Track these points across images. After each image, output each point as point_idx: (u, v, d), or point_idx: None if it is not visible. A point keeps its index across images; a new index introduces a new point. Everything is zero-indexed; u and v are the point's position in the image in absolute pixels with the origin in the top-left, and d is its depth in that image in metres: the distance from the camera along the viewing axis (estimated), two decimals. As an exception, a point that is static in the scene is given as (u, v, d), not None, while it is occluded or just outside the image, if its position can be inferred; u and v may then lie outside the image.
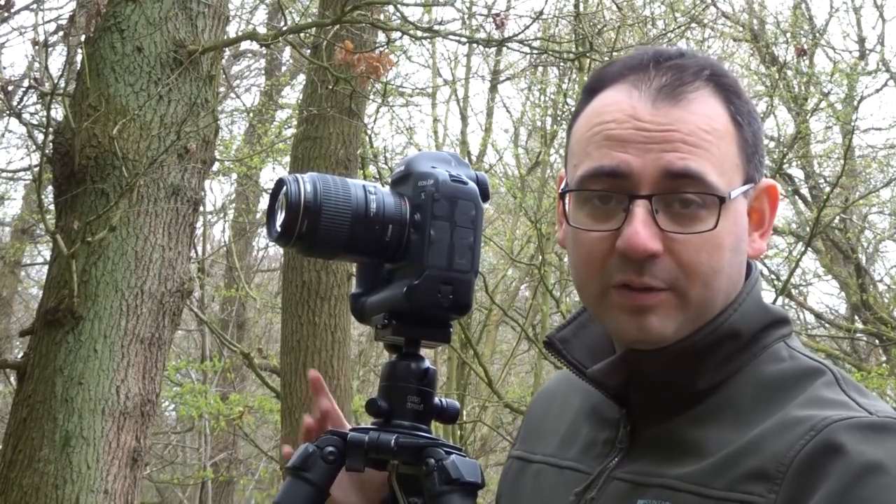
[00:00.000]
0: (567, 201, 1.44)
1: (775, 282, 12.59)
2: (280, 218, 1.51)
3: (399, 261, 1.54)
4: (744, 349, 1.42)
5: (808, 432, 1.31)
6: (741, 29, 13.44)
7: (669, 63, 1.42)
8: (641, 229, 1.36)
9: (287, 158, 9.97)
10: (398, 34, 8.28)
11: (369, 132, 9.78)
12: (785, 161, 12.12)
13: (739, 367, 1.42)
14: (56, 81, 5.69)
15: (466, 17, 10.68)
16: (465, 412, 12.44)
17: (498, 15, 6.83)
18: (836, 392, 1.37)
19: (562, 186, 1.47)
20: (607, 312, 1.42)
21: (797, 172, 14.09)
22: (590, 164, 1.40)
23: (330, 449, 1.55)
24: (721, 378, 1.41)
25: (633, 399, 1.45)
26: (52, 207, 6.09)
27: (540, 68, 13.09)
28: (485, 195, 1.57)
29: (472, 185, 1.56)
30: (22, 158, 14.49)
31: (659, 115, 1.39)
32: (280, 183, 1.52)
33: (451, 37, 9.20)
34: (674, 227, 1.37)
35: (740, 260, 1.43)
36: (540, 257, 10.99)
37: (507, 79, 14.15)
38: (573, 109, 1.55)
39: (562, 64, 11.42)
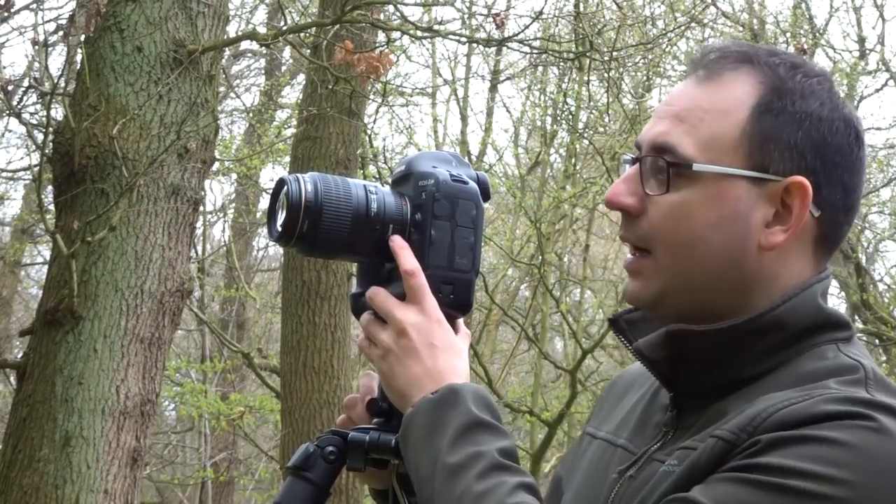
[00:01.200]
0: None
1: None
2: (281, 218, 1.51)
3: (400, 260, 1.54)
4: (789, 344, 1.44)
5: (803, 396, 1.35)
6: (741, 29, 13.43)
7: (728, 49, 1.50)
8: (619, 184, 1.48)
9: (287, 158, 9.96)
10: (398, 34, 8.28)
11: (369, 132, 9.78)
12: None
13: (783, 361, 1.44)
14: (56, 81, 5.69)
15: (466, 16, 10.67)
16: (464, 412, 12.39)
17: (498, 15, 6.82)
18: (857, 387, 1.38)
19: None
20: None
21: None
22: None
23: (330, 449, 1.55)
24: (764, 369, 1.43)
25: (680, 382, 1.49)
26: (51, 207, 6.09)
27: (540, 68, 13.09)
28: (485, 195, 1.57)
29: (473, 184, 1.56)
30: (22, 158, 14.47)
31: (678, 93, 1.50)
32: (281, 183, 1.52)
33: (450, 36, 9.20)
34: (653, 191, 1.46)
35: (730, 242, 1.45)
36: (540, 257, 10.99)
37: (507, 78, 14.15)
38: None
39: (562, 64, 11.41)
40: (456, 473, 1.41)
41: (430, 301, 1.51)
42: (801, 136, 1.45)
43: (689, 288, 1.46)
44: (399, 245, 1.53)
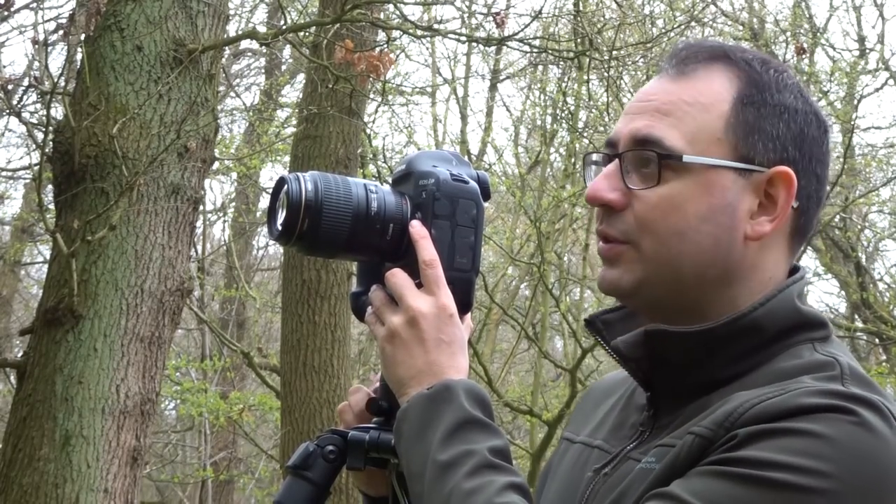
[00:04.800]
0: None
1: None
2: (281, 217, 1.51)
3: (400, 260, 1.54)
4: (766, 346, 1.44)
5: (778, 390, 1.35)
6: (741, 28, 13.42)
7: (699, 46, 1.52)
8: (600, 180, 1.48)
9: (287, 157, 9.96)
10: (398, 33, 8.28)
11: (369, 131, 9.77)
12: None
13: (760, 362, 1.44)
14: (56, 80, 5.68)
15: (466, 15, 10.67)
16: (464, 411, 12.37)
17: (498, 13, 6.83)
18: (833, 382, 1.37)
19: None
20: None
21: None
22: None
23: (330, 448, 1.55)
24: (740, 371, 1.43)
25: (657, 383, 1.49)
26: (51, 206, 6.09)
27: (539, 67, 13.09)
28: (486, 194, 1.57)
29: (473, 184, 1.56)
30: (22, 157, 14.50)
31: (654, 88, 1.50)
32: (281, 181, 1.52)
33: (450, 35, 9.20)
34: (637, 185, 1.46)
35: (719, 233, 1.45)
36: (539, 256, 10.98)
37: (507, 77, 14.16)
38: None
39: (561, 63, 11.41)
40: (446, 471, 1.41)
41: (446, 293, 1.52)
42: (782, 127, 1.47)
43: (675, 278, 1.46)
44: (420, 234, 1.53)
